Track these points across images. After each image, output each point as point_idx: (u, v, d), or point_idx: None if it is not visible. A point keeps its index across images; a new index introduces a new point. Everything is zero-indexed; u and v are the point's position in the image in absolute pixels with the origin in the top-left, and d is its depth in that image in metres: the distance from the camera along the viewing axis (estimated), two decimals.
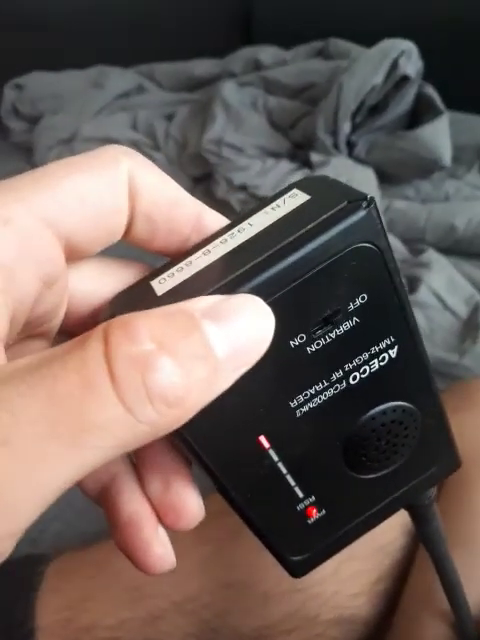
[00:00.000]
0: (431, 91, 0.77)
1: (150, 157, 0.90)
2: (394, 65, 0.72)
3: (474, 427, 0.36)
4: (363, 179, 0.73)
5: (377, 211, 0.14)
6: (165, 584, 0.35)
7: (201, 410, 0.14)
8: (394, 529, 0.34)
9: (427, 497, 0.21)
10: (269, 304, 0.14)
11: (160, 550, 0.16)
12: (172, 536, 0.38)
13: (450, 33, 0.87)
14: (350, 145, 0.79)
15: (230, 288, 0.14)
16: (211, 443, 0.15)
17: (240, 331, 0.12)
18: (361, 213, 0.14)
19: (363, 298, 0.15)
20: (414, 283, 0.62)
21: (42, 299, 0.15)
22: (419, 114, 0.80)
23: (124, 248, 0.17)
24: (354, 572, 0.33)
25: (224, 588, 0.34)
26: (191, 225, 0.16)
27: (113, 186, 0.15)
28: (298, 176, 0.72)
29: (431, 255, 0.65)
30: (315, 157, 0.76)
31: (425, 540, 0.23)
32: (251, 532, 0.18)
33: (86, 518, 0.47)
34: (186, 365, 0.11)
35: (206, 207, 0.17)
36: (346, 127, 0.76)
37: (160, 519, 0.16)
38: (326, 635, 0.33)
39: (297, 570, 0.19)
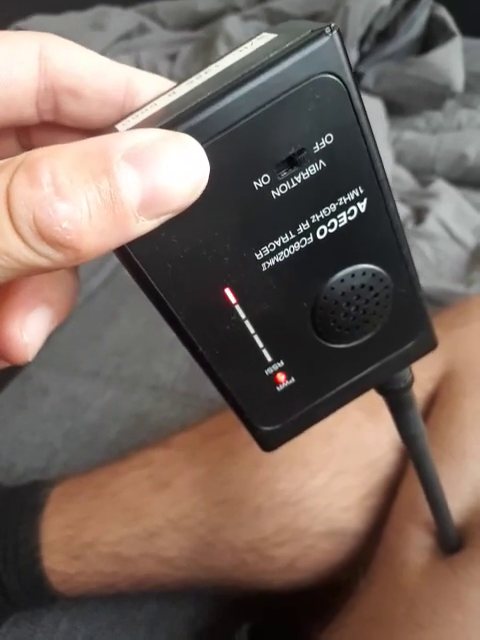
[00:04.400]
0: (443, 13, 0.73)
1: None
2: None
3: (469, 341, 0.36)
4: (371, 110, 0.70)
5: (342, 41, 0.14)
6: (161, 503, 0.36)
7: (160, 251, 0.14)
8: (384, 445, 0.34)
9: (402, 380, 0.20)
10: (222, 140, 0.13)
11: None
12: (167, 459, 0.39)
13: None
14: (358, 76, 0.76)
15: (173, 125, 0.13)
16: (175, 288, 0.15)
17: (162, 177, 0.12)
18: (323, 39, 0.13)
19: (329, 139, 0.15)
20: (422, 213, 0.60)
21: None
22: (431, 41, 0.76)
23: None
24: (345, 486, 0.33)
25: (218, 504, 0.35)
26: (122, 92, 0.16)
27: (7, 55, 0.15)
28: None
29: (440, 185, 0.63)
30: None
31: (402, 430, 0.23)
32: (225, 400, 0.18)
33: (91, 449, 0.48)
34: (84, 210, 0.12)
35: (137, 70, 0.16)
36: (353, 55, 0.72)
37: None
38: (317, 547, 0.34)
39: (268, 442, 0.19)
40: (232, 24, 0.87)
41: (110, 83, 0.16)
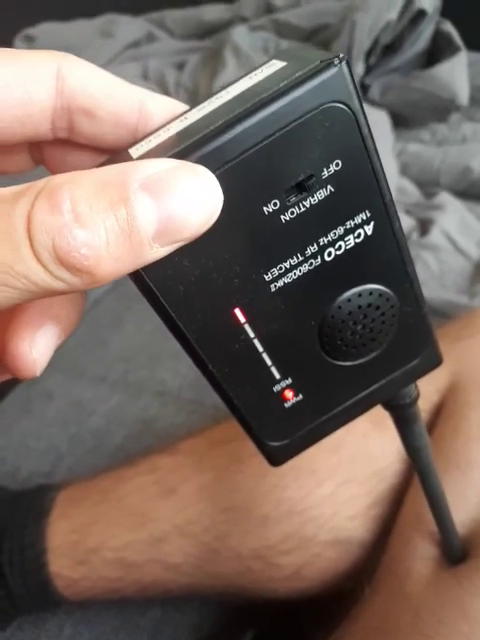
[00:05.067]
0: (449, 28, 0.74)
1: None
2: None
3: (475, 353, 0.36)
4: (377, 122, 0.71)
5: (350, 70, 0.14)
6: (167, 509, 0.36)
7: (173, 274, 0.15)
8: (390, 455, 0.34)
9: (408, 395, 0.21)
10: (233, 167, 0.14)
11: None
12: (173, 465, 0.39)
13: None
14: (364, 88, 0.77)
15: (186, 153, 0.14)
16: (187, 309, 0.16)
17: (177, 206, 0.13)
18: (332, 70, 0.14)
19: (337, 165, 0.15)
20: (426, 225, 0.61)
21: None
22: (436, 54, 0.77)
23: None
24: (351, 495, 0.34)
25: (224, 512, 0.35)
26: (136, 114, 0.16)
27: (25, 75, 0.15)
28: None
29: (444, 197, 0.63)
30: None
31: (407, 444, 0.23)
32: (234, 417, 0.18)
33: (97, 454, 0.48)
34: (102, 238, 0.12)
35: (150, 93, 0.17)
36: (359, 68, 0.73)
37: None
38: (323, 556, 0.34)
39: (275, 457, 0.19)
40: (239, 34, 0.88)
41: (124, 105, 0.16)
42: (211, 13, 0.99)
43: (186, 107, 0.17)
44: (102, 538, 0.36)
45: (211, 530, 0.35)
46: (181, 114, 0.16)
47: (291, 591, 0.35)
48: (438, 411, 0.36)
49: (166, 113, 0.17)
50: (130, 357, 0.55)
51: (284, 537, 0.34)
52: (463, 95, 0.69)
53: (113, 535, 0.36)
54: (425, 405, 0.36)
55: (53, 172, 0.18)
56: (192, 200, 0.13)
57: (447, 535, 0.28)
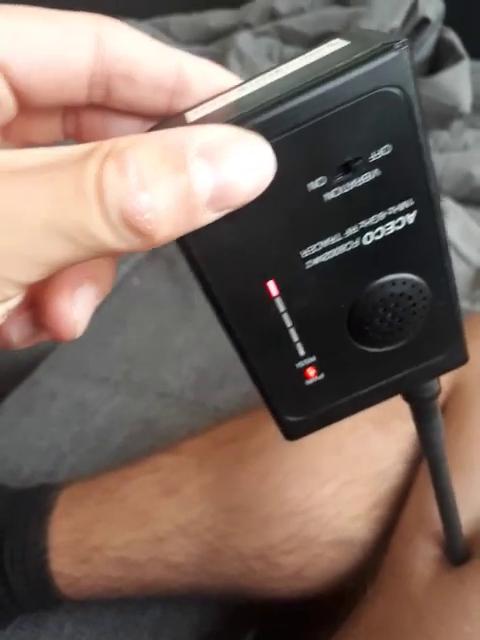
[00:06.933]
0: (452, 36, 0.74)
1: None
2: (414, 6, 0.70)
3: (477, 355, 0.36)
4: None
5: (411, 56, 0.14)
6: (170, 508, 0.36)
7: (214, 241, 0.15)
8: (393, 456, 0.34)
9: (429, 389, 0.21)
10: (285, 139, 0.14)
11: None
12: (176, 465, 0.39)
13: None
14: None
15: (242, 121, 0.14)
16: (222, 275, 0.16)
17: (232, 173, 0.13)
18: (393, 54, 0.14)
19: (387, 149, 0.15)
20: None
21: None
22: (439, 62, 0.78)
23: None
24: (354, 496, 0.34)
25: (226, 511, 0.35)
26: (174, 77, 0.16)
27: (66, 37, 0.15)
28: None
29: (446, 204, 0.63)
30: None
31: (423, 439, 0.23)
32: (254, 386, 0.18)
33: (99, 453, 0.48)
34: (164, 201, 0.13)
35: (188, 56, 0.17)
36: None
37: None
38: (325, 556, 0.34)
39: (291, 431, 0.19)
40: (244, 40, 0.88)
41: (164, 70, 0.16)
42: (216, 19, 1.00)
43: (221, 70, 0.17)
44: (104, 537, 0.36)
45: (213, 530, 0.35)
46: (238, 84, 0.17)
47: (292, 591, 0.35)
48: (442, 411, 0.36)
49: (203, 76, 0.17)
50: (133, 358, 0.55)
51: (286, 537, 0.34)
52: (466, 103, 0.70)
53: (115, 534, 0.36)
54: None
55: (84, 141, 0.18)
56: (246, 168, 0.13)
57: (453, 533, 0.28)
